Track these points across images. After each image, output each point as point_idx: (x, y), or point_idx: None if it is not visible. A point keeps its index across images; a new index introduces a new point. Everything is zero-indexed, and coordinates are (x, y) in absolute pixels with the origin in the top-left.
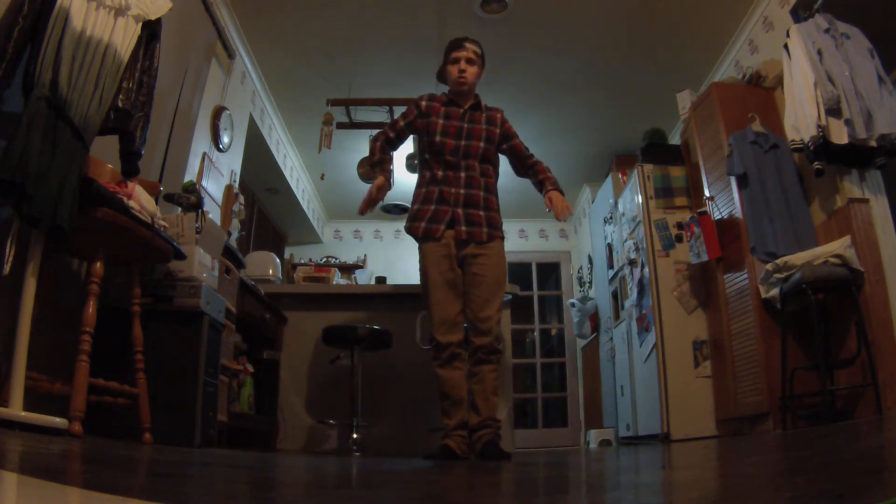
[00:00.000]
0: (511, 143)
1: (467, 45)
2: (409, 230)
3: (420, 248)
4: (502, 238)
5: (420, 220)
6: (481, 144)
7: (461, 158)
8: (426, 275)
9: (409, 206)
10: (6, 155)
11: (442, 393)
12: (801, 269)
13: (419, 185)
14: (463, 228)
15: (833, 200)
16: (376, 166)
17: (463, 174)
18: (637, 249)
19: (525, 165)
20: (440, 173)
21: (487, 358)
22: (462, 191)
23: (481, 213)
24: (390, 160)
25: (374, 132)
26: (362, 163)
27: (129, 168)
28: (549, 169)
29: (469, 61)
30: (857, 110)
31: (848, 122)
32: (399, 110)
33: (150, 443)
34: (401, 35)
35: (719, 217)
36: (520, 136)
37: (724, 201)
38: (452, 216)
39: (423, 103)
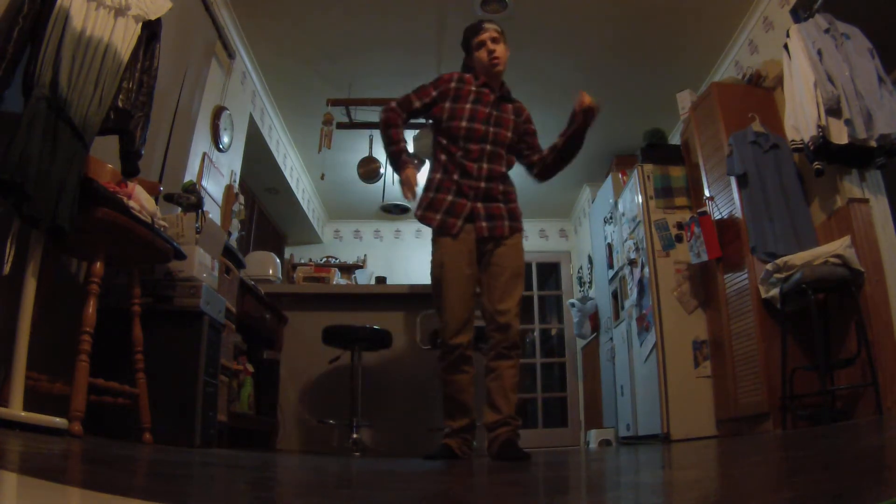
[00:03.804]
0: (530, 139)
1: (486, 25)
2: (423, 219)
3: (435, 241)
4: (522, 231)
5: (435, 210)
6: (509, 134)
7: (487, 145)
8: (441, 269)
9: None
10: (6, 155)
11: (447, 396)
12: (801, 269)
13: (434, 169)
14: (483, 224)
15: (833, 200)
16: (401, 154)
17: (485, 165)
18: (637, 249)
19: (539, 153)
20: (459, 161)
21: (507, 353)
22: (482, 184)
23: (501, 206)
24: (405, 143)
25: (374, 132)
26: (363, 163)
27: (129, 168)
28: None
29: (494, 40)
30: (857, 110)
31: (848, 122)
32: None
33: (150, 443)
34: (401, 35)
35: (719, 217)
36: None
37: (724, 201)
38: (472, 210)
39: (453, 85)
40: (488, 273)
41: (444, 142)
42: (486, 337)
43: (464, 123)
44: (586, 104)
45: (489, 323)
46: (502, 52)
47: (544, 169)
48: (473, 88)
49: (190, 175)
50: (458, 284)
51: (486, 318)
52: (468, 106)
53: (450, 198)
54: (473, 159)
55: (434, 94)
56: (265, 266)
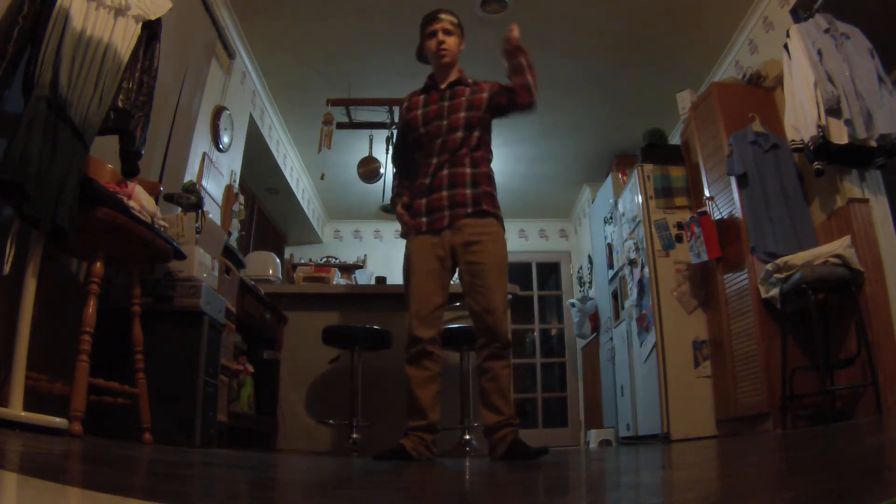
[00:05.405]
0: (499, 91)
1: (442, 16)
2: (402, 236)
3: (406, 243)
4: (497, 218)
5: (411, 216)
6: (462, 114)
7: (444, 137)
8: (407, 262)
9: None
10: (6, 155)
11: (407, 390)
12: (801, 269)
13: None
14: (446, 213)
15: (833, 200)
16: (395, 200)
17: (447, 156)
18: (637, 249)
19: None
20: (425, 163)
21: (499, 353)
22: (445, 171)
23: (467, 191)
24: (404, 189)
25: (374, 132)
26: (363, 163)
27: (130, 168)
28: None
29: (446, 32)
30: (857, 110)
31: (848, 122)
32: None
33: (150, 443)
34: (401, 35)
35: (719, 217)
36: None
37: (724, 201)
38: (437, 202)
39: (405, 104)
40: (469, 271)
41: (415, 152)
42: (475, 337)
43: (421, 129)
44: (509, 44)
45: (477, 323)
46: (452, 44)
47: (517, 92)
48: (420, 96)
49: (190, 175)
50: (423, 276)
51: (473, 319)
52: (419, 112)
53: (422, 200)
54: (437, 154)
55: (401, 122)
56: (265, 266)
